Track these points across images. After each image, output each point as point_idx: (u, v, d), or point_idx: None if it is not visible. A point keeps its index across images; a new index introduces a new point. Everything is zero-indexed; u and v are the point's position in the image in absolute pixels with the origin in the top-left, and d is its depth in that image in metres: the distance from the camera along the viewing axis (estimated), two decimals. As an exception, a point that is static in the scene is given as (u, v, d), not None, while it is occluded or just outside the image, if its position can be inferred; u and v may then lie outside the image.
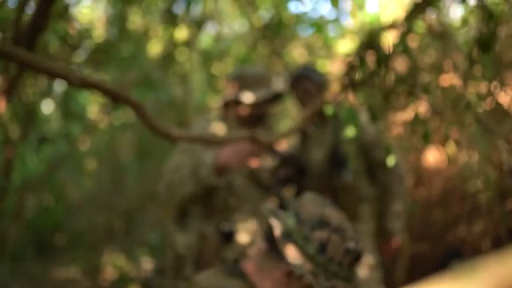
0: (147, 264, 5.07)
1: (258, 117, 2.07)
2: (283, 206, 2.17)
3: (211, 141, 1.35)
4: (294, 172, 2.13)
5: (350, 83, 1.68)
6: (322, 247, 1.10)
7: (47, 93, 5.31)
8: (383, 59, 1.49)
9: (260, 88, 2.03)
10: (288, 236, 1.12)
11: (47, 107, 6.92)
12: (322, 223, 1.11)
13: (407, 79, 1.60)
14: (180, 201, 1.95)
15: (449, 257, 3.04)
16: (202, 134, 1.34)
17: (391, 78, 1.74)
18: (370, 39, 1.57)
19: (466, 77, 2.79)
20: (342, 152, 2.31)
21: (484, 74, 2.63)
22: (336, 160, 2.30)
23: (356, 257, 1.13)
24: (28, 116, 4.31)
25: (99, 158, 7.51)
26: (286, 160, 2.11)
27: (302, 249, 1.10)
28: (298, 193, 2.58)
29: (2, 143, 4.47)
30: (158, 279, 4.49)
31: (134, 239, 5.71)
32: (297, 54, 4.10)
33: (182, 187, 1.91)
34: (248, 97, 2.02)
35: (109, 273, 5.40)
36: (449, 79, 2.88)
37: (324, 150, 2.35)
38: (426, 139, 1.66)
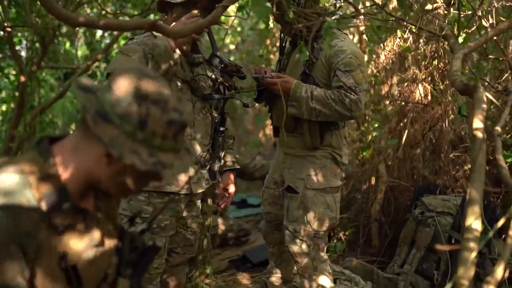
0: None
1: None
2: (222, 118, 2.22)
3: (112, 27, 1.41)
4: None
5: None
6: (142, 123, 1.01)
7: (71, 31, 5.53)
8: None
9: None
10: (103, 116, 1.02)
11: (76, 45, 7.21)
12: (140, 97, 1.02)
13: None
14: None
15: (422, 192, 3.02)
16: (104, 19, 1.38)
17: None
18: None
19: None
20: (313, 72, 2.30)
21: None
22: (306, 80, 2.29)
23: (181, 127, 1.07)
24: (44, 48, 4.53)
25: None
26: (229, 69, 2.12)
27: (119, 128, 1.01)
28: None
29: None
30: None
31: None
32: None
33: None
34: None
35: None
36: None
37: (300, 69, 2.34)
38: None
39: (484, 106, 1.66)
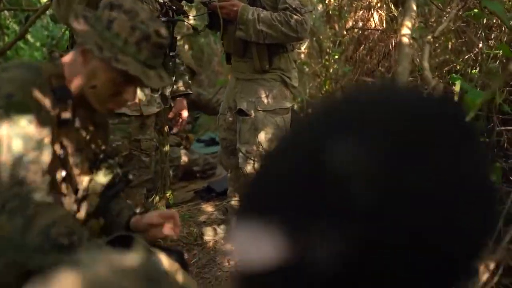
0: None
1: None
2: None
3: None
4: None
5: None
6: (109, 24, 1.19)
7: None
8: None
9: None
10: (85, 19, 1.22)
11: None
12: (113, 5, 1.21)
13: None
14: None
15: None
16: None
17: None
18: None
19: None
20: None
21: None
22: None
23: (144, 37, 1.20)
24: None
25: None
26: None
27: (92, 27, 1.20)
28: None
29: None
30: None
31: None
32: None
33: None
34: None
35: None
36: None
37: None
38: None
39: (413, 14, 1.73)
